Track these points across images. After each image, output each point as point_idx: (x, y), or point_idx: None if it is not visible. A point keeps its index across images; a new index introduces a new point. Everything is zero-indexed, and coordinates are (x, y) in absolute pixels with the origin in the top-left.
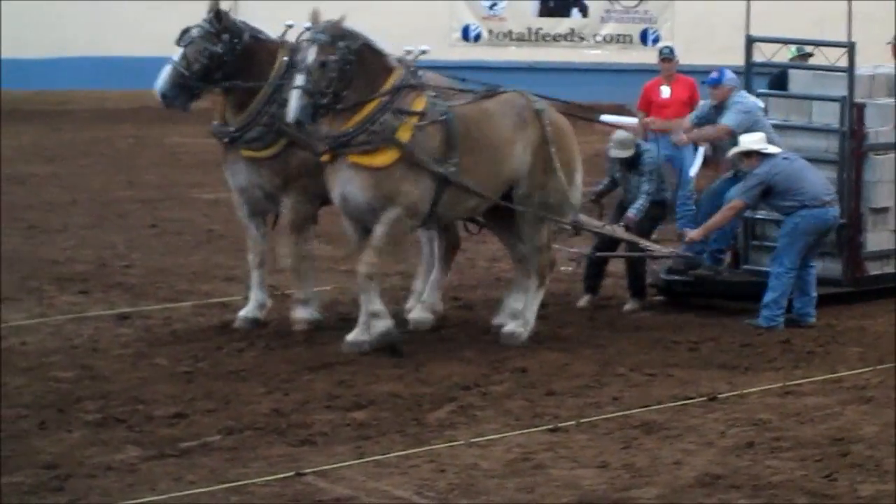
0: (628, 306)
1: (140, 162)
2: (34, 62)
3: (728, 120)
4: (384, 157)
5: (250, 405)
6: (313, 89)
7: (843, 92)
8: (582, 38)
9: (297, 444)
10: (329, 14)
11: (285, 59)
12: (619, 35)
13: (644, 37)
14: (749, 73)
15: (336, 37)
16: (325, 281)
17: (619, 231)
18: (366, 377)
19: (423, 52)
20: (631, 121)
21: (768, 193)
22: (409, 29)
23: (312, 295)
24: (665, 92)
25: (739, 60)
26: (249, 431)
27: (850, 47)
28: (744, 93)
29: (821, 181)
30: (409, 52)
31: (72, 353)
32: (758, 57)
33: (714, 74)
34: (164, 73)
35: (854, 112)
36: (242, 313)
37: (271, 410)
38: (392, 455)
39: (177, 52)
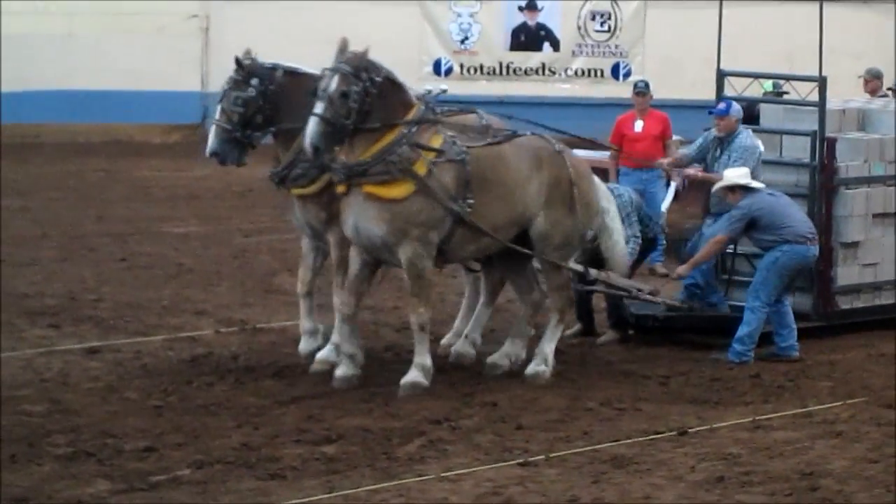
0: (603, 338)
1: (110, 196)
2: (4, 95)
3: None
4: (400, 190)
5: (220, 439)
6: (332, 118)
7: (814, 126)
8: (553, 72)
9: (266, 478)
10: (305, 49)
11: None
12: (590, 69)
13: (615, 71)
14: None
15: (360, 68)
16: (295, 315)
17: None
18: (335, 411)
19: (443, 90)
20: (601, 155)
21: (751, 227)
22: (380, 60)
23: (356, 350)
24: (638, 126)
25: (710, 94)
26: (219, 465)
27: (822, 82)
28: (749, 131)
29: (803, 219)
30: (429, 92)
31: (42, 386)
32: (729, 91)
33: (721, 105)
34: (211, 134)
35: (825, 146)
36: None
37: (241, 444)
38: (362, 489)
39: (217, 111)
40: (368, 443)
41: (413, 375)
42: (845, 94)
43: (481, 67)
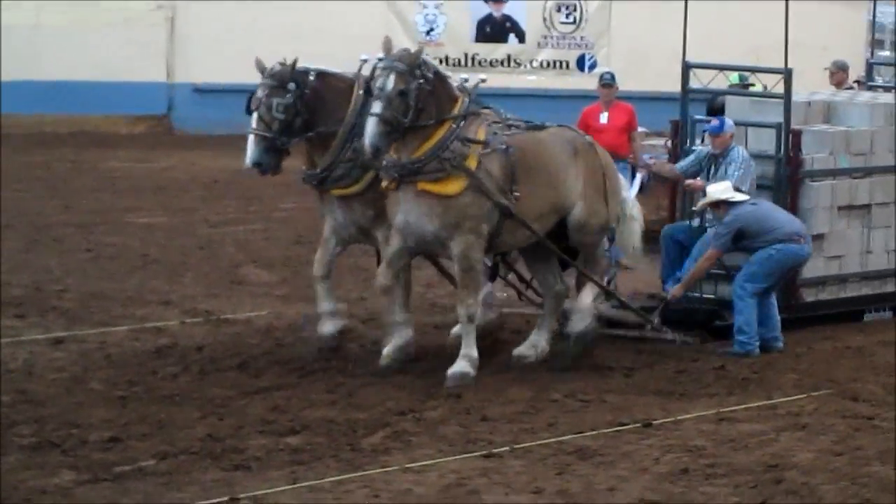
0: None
1: (76, 186)
2: None
3: (733, 178)
4: (454, 186)
5: (185, 430)
6: (391, 117)
7: (779, 118)
8: (519, 64)
9: (231, 468)
10: (270, 41)
11: (361, 92)
12: (555, 61)
13: (581, 63)
14: (685, 99)
15: (413, 66)
16: (262, 306)
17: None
18: (300, 402)
19: (483, 80)
20: None
21: (741, 238)
22: (346, 53)
23: (406, 319)
24: (603, 118)
25: (675, 87)
26: (184, 456)
27: (787, 74)
28: (740, 148)
29: (791, 219)
30: (466, 80)
31: (7, 377)
32: (694, 83)
33: (715, 123)
34: (250, 144)
35: (790, 139)
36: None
37: (206, 435)
38: (326, 480)
39: (252, 119)
40: (333, 434)
41: (461, 366)
42: (812, 86)
43: (447, 59)
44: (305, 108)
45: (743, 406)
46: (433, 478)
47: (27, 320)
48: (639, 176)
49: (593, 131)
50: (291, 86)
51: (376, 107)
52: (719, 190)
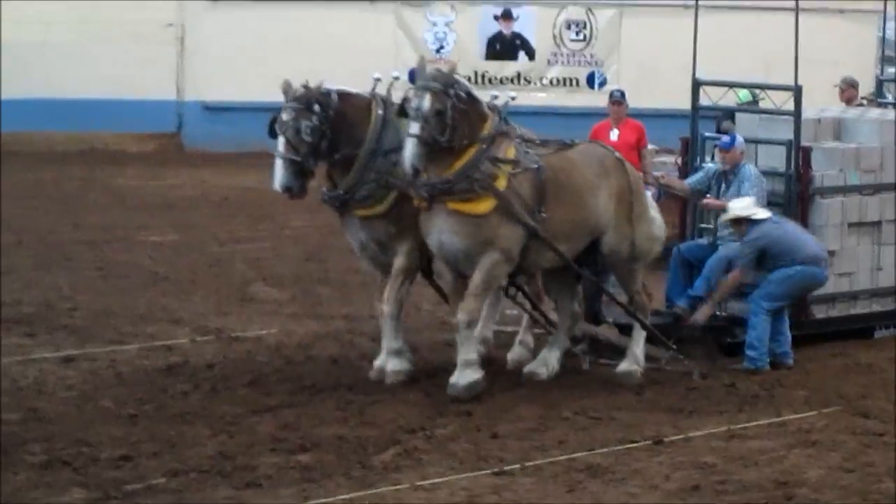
0: (580, 346)
1: (86, 204)
2: None
3: (750, 194)
4: (484, 206)
5: (195, 448)
6: (429, 137)
7: (789, 135)
8: (528, 81)
9: (241, 486)
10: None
11: (380, 112)
12: (565, 78)
13: (591, 80)
14: (695, 116)
15: (448, 84)
16: (270, 324)
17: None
18: (311, 420)
19: (513, 98)
20: None
21: (763, 258)
22: (355, 71)
23: (404, 346)
24: (613, 135)
25: (685, 104)
26: (194, 474)
27: (797, 91)
28: (749, 164)
29: (814, 241)
30: (496, 98)
31: (17, 394)
32: (704, 100)
33: (726, 139)
34: (279, 168)
35: (800, 155)
36: (382, 365)
37: (216, 453)
38: (337, 498)
39: (279, 143)
40: (344, 451)
41: (467, 376)
42: (822, 102)
43: None
44: (331, 129)
45: (753, 423)
46: (444, 495)
47: (37, 338)
48: (649, 193)
49: None
50: (317, 108)
51: (414, 127)
52: (741, 207)
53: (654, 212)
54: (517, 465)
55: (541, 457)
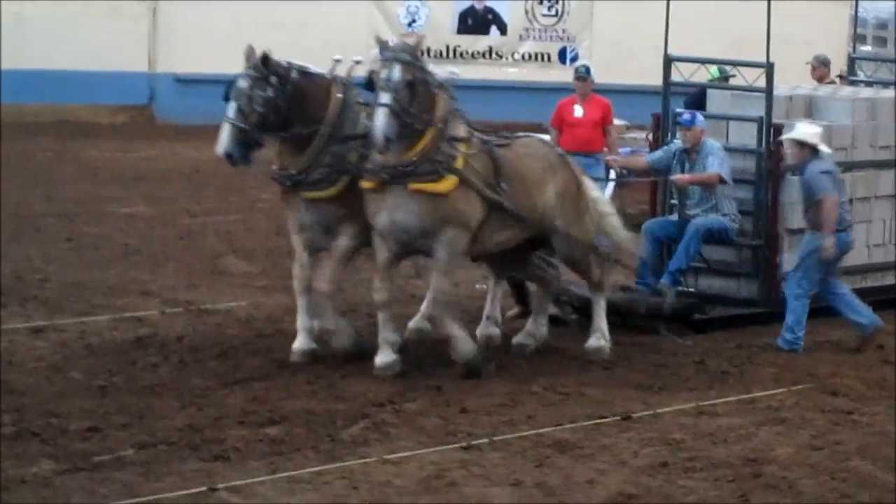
0: (511, 312)
1: (58, 176)
2: None
3: (717, 168)
4: (445, 185)
5: (164, 420)
6: (399, 108)
7: (761, 112)
8: (500, 56)
9: (210, 459)
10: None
11: (339, 95)
12: (537, 53)
13: (563, 55)
14: (667, 92)
15: (416, 57)
16: (241, 297)
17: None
18: (280, 393)
19: (454, 73)
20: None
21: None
22: (327, 44)
23: (340, 325)
24: (578, 111)
25: (657, 80)
26: (163, 446)
27: (769, 68)
28: (710, 139)
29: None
30: (452, 73)
31: None
32: (676, 77)
33: (687, 116)
34: (224, 133)
35: (772, 133)
36: (297, 346)
37: (185, 425)
38: (305, 471)
39: (228, 109)
40: (312, 425)
41: (463, 348)
42: (795, 81)
43: (429, 51)
44: (285, 104)
45: (722, 400)
46: (412, 469)
47: (7, 309)
48: (613, 172)
49: (567, 125)
50: (273, 80)
51: (384, 97)
52: (811, 133)
53: (604, 206)
54: (485, 440)
55: (509, 432)
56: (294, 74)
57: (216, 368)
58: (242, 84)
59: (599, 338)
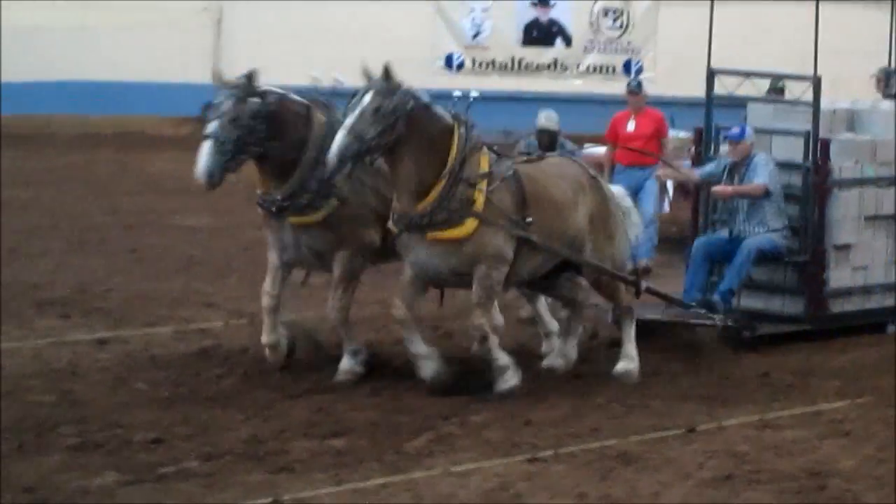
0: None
1: (121, 187)
2: (15, 86)
3: (763, 179)
4: (466, 228)
5: (228, 431)
6: (360, 132)
7: (805, 126)
8: (565, 68)
9: (274, 471)
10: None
11: (322, 118)
12: (601, 66)
13: (627, 67)
14: (710, 105)
15: (394, 89)
16: (305, 308)
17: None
18: (344, 405)
19: (475, 97)
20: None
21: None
22: (392, 57)
23: (360, 347)
24: (630, 125)
25: (721, 92)
26: (227, 457)
27: (816, 81)
28: (760, 152)
29: None
30: (460, 98)
31: (51, 376)
32: (719, 90)
33: (735, 130)
34: (206, 152)
35: (819, 147)
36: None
37: (249, 437)
38: (370, 483)
39: (209, 128)
40: (377, 437)
41: (503, 383)
42: (858, 94)
43: (493, 63)
44: (265, 126)
45: (786, 412)
46: (476, 481)
47: (71, 321)
48: (669, 183)
49: (622, 138)
50: (254, 100)
51: (348, 119)
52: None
53: (626, 202)
54: (550, 452)
55: (574, 444)
56: (272, 98)
57: (280, 380)
58: (224, 102)
59: (629, 361)
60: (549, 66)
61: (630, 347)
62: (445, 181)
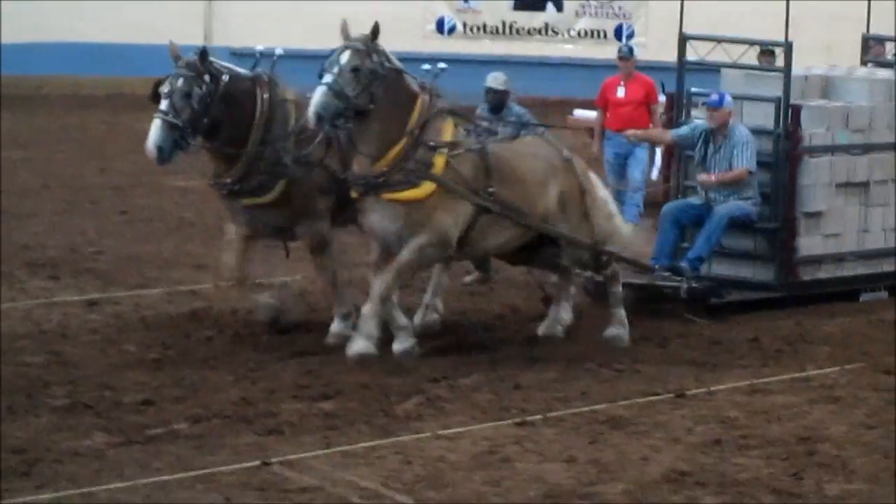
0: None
1: (112, 148)
2: (8, 47)
3: (745, 163)
4: (422, 191)
5: (218, 393)
6: (339, 90)
7: (776, 92)
8: (556, 33)
9: (264, 433)
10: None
11: (266, 96)
12: (593, 30)
13: (618, 32)
14: (682, 70)
15: (371, 48)
16: (296, 271)
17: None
18: (334, 367)
19: (443, 69)
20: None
21: None
22: (383, 20)
23: (351, 309)
24: (620, 91)
25: (711, 58)
26: (217, 419)
27: (787, 47)
28: (740, 124)
29: None
30: (427, 71)
31: (41, 338)
32: (691, 55)
33: (714, 97)
34: (157, 128)
35: (790, 114)
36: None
37: (239, 399)
38: (359, 446)
39: (162, 105)
40: (367, 399)
41: (401, 343)
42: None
43: (485, 27)
44: (216, 105)
45: (776, 378)
46: (466, 445)
47: (62, 282)
48: (658, 150)
49: (612, 104)
50: (207, 79)
51: (327, 77)
52: None
53: (611, 207)
54: (539, 416)
55: (563, 408)
56: (225, 76)
57: (270, 342)
58: (175, 81)
59: (619, 326)
60: (540, 31)
61: (620, 312)
62: (405, 143)
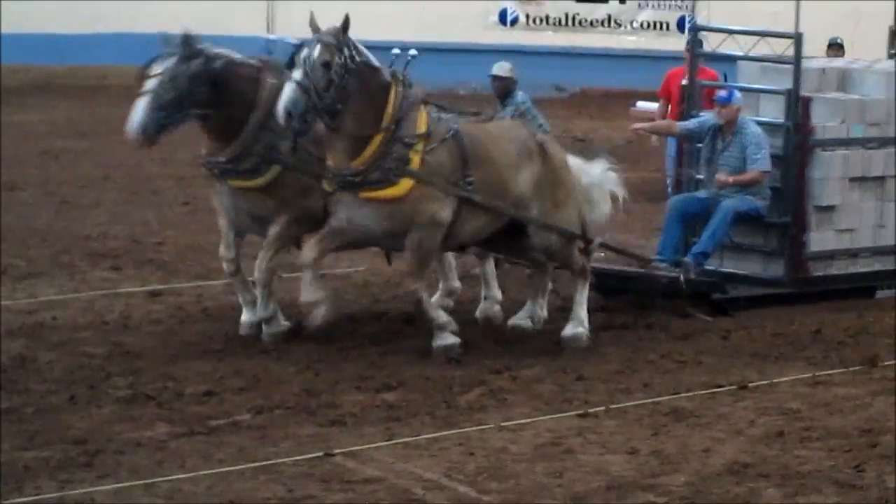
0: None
1: (174, 139)
2: (71, 37)
3: (759, 165)
4: (398, 189)
5: (280, 384)
6: (310, 86)
7: (790, 85)
8: (619, 25)
9: (326, 424)
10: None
11: (273, 81)
12: (655, 22)
13: (681, 24)
14: (693, 63)
15: (342, 42)
16: (359, 262)
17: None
18: (397, 358)
19: (413, 56)
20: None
21: None
22: (446, 12)
23: (274, 311)
24: (685, 83)
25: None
26: (279, 410)
27: (797, 38)
28: (750, 120)
29: None
30: (397, 56)
31: (103, 329)
32: (705, 47)
33: (723, 93)
34: (142, 107)
35: (800, 105)
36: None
37: (301, 390)
38: (421, 437)
39: (148, 84)
40: (429, 391)
41: (442, 340)
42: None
43: (547, 18)
44: (205, 89)
45: (839, 370)
46: (528, 436)
47: (124, 272)
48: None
49: (675, 95)
50: (196, 62)
51: (297, 73)
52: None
53: (596, 193)
54: (602, 408)
55: (625, 399)
56: (219, 62)
57: (333, 333)
58: (167, 62)
59: (577, 325)
60: (602, 22)
61: (581, 311)
62: (381, 139)
